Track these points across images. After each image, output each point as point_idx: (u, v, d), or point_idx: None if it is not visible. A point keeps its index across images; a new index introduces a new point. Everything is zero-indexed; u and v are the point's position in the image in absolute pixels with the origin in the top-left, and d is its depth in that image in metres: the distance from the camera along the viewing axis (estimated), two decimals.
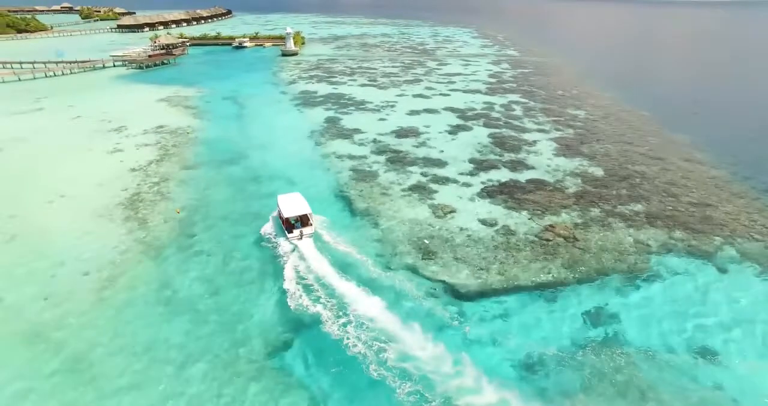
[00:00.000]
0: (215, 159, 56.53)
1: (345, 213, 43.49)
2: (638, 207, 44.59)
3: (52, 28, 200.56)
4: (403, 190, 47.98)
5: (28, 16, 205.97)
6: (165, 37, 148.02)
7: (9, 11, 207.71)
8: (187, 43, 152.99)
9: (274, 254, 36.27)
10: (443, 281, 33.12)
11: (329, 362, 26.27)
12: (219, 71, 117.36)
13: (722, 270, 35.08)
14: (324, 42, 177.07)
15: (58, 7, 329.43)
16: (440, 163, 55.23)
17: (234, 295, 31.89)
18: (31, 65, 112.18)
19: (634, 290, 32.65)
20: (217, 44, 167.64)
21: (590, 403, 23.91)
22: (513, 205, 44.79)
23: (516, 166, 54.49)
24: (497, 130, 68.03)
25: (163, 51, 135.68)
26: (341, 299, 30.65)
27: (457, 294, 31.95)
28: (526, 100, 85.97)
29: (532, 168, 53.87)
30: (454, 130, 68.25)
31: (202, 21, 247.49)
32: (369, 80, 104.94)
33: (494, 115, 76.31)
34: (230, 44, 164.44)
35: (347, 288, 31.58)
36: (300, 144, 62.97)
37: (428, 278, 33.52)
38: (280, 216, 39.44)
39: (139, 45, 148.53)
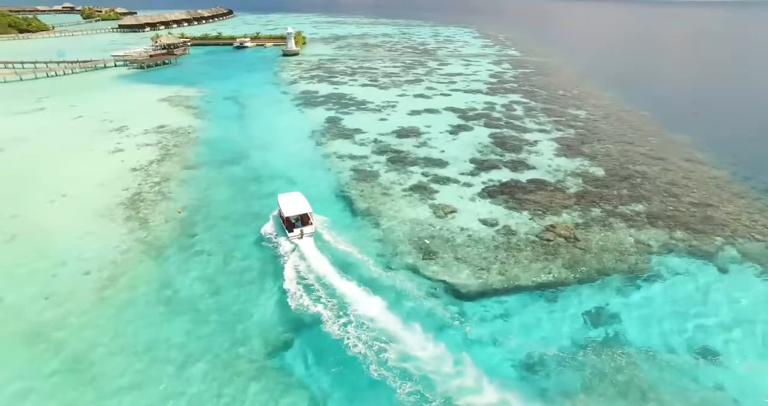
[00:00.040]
0: (216, 159, 56.57)
1: (346, 213, 43.50)
2: (639, 207, 44.54)
3: (53, 28, 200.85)
4: (404, 190, 47.98)
5: (30, 16, 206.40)
6: (166, 37, 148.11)
7: (11, 11, 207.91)
8: (188, 43, 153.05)
9: (275, 253, 36.29)
10: (444, 281, 33.11)
11: (329, 362, 26.27)
12: (220, 71, 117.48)
13: (723, 270, 35.04)
14: (325, 42, 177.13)
15: (59, 7, 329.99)
16: (441, 163, 55.22)
17: (234, 295, 31.91)
18: (32, 65, 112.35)
19: (634, 290, 32.62)
20: (218, 44, 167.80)
21: (591, 403, 23.88)
22: (514, 205, 44.77)
23: (517, 166, 54.47)
24: (498, 130, 68.00)
25: (164, 51, 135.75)
26: (342, 298, 30.64)
27: (457, 294, 31.94)
28: (527, 100, 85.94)
29: (533, 168, 53.84)
30: (455, 130, 68.23)
31: (204, 21, 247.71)
32: (370, 80, 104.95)
33: (495, 115, 76.28)
34: (231, 44, 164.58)
35: (348, 288, 31.58)
36: (301, 144, 62.99)
37: (429, 278, 33.51)
38: (280, 215, 39.46)
39: (140, 45, 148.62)
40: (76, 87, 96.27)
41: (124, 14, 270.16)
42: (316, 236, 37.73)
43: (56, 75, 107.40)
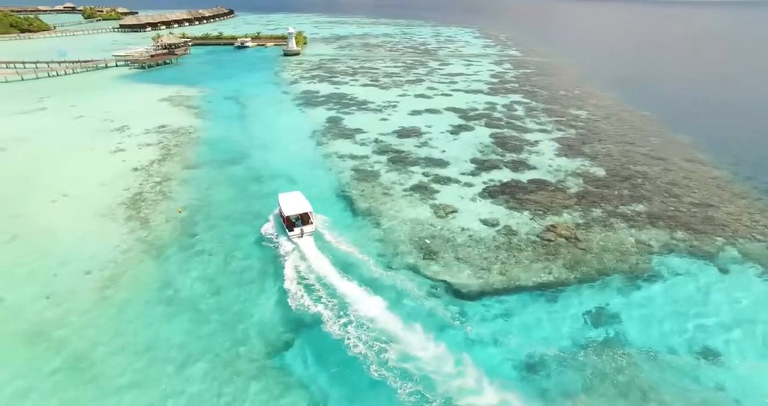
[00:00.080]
0: (217, 159, 56.60)
1: (346, 213, 43.49)
2: (640, 207, 44.50)
3: (54, 28, 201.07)
4: (405, 190, 47.97)
5: (31, 16, 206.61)
6: (167, 36, 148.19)
7: (12, 11, 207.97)
8: (190, 43, 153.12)
9: (276, 253, 36.28)
10: (445, 281, 33.10)
11: (330, 362, 26.27)
12: (221, 71, 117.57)
13: (724, 270, 34.99)
14: (326, 42, 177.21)
15: (60, 7, 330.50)
16: (442, 164, 55.20)
17: (235, 294, 31.92)
18: (34, 65, 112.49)
19: (635, 290, 32.58)
20: (219, 44, 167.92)
21: (592, 404, 23.85)
22: (514, 205, 44.74)
23: (518, 166, 54.43)
24: (499, 131, 67.98)
25: (165, 51, 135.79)
26: (342, 298, 30.63)
27: (458, 294, 31.92)
28: (528, 101, 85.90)
29: (534, 168, 53.81)
30: (456, 130, 68.21)
31: (204, 21, 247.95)
32: (371, 80, 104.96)
33: (496, 115, 76.25)
34: (232, 44, 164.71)
35: (348, 288, 31.56)
36: (302, 144, 63.00)
37: (430, 278, 33.49)
38: (281, 214, 39.48)
39: (141, 45, 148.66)
40: (78, 87, 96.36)
41: (126, 14, 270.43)
42: (317, 236, 37.73)
43: (57, 75, 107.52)
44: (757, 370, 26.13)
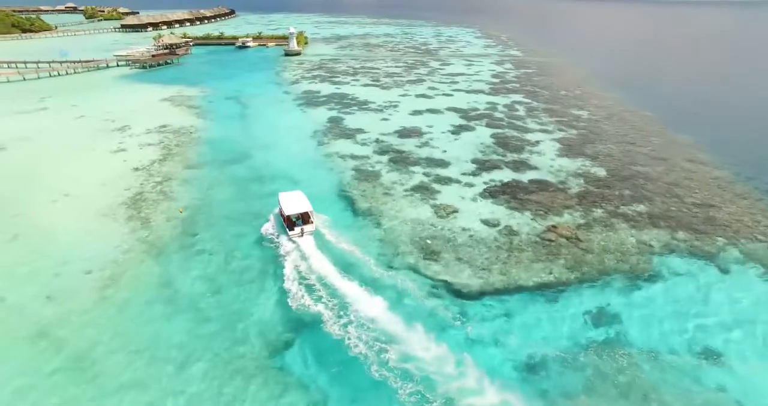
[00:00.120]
0: (218, 159, 56.61)
1: (347, 213, 43.48)
2: (641, 208, 44.45)
3: (56, 27, 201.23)
4: (406, 190, 47.95)
5: (33, 16, 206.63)
6: (168, 36, 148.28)
7: (14, 11, 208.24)
8: (191, 43, 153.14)
9: (276, 253, 36.27)
10: (445, 281, 33.07)
11: (330, 362, 26.24)
12: (222, 71, 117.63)
13: (725, 271, 34.94)
14: (327, 42, 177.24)
15: (62, 7, 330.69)
16: (443, 164, 55.17)
17: (235, 294, 31.92)
18: (35, 65, 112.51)
19: (636, 290, 32.54)
20: (220, 44, 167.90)
21: (593, 404, 23.82)
22: (515, 205, 44.71)
23: (519, 166, 54.39)
24: (500, 131, 67.93)
25: (166, 51, 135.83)
26: (343, 298, 30.59)
27: (459, 294, 31.89)
28: (529, 101, 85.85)
29: (535, 168, 53.76)
30: (457, 130, 68.18)
31: (206, 21, 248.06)
32: (372, 80, 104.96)
33: (497, 115, 76.21)
34: (233, 44, 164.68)
35: (349, 288, 31.52)
36: (303, 144, 63.00)
37: (430, 278, 33.47)
38: (281, 214, 39.50)
39: (142, 45, 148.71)
40: (79, 87, 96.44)
41: (127, 14, 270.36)
42: (318, 236, 37.71)
43: (59, 75, 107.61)
44: (758, 370, 26.07)
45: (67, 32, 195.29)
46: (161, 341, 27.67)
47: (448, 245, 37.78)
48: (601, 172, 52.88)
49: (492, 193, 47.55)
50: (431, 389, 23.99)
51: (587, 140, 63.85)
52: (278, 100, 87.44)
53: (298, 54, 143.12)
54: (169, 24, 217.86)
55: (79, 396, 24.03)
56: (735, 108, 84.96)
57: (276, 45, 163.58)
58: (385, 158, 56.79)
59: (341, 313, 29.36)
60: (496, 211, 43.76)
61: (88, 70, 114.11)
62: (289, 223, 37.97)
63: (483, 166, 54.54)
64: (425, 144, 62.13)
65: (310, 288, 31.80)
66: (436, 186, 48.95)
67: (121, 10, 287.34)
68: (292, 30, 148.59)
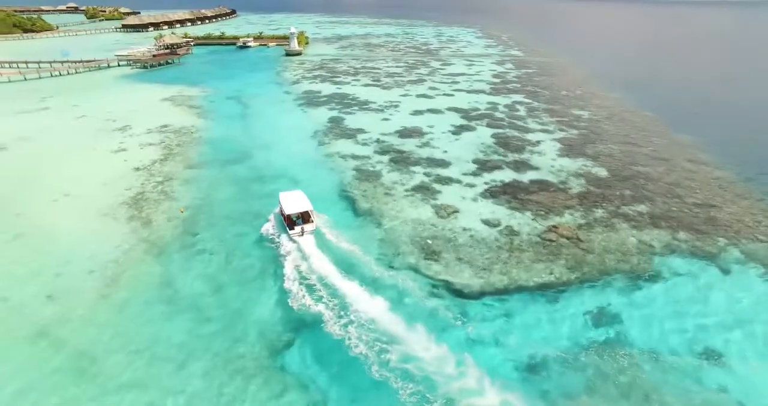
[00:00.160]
0: (219, 158, 56.64)
1: (348, 213, 43.48)
2: (642, 208, 44.39)
3: (57, 27, 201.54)
4: (407, 190, 47.93)
5: (34, 16, 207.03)
6: (169, 36, 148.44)
7: (15, 11, 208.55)
8: (192, 43, 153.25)
9: (276, 253, 36.28)
10: (446, 281, 33.05)
11: (330, 361, 26.26)
12: (223, 71, 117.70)
13: (726, 271, 34.89)
14: (328, 42, 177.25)
15: (63, 7, 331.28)
16: (444, 164, 55.15)
17: (236, 293, 31.93)
18: (36, 65, 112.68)
19: (637, 290, 32.50)
20: (221, 44, 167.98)
21: (593, 405, 23.79)
22: (516, 205, 44.68)
23: (519, 166, 54.35)
24: (501, 131, 67.89)
25: (167, 51, 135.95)
26: (343, 298, 30.56)
27: (459, 294, 31.87)
28: (530, 101, 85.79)
29: (536, 168, 53.72)
30: (458, 130, 68.15)
31: (207, 21, 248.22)
32: (373, 80, 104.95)
33: (498, 115, 76.16)
34: (234, 44, 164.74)
35: (349, 288, 31.49)
36: (303, 144, 63.01)
37: (431, 278, 33.45)
38: (281, 213, 39.54)
39: (143, 45, 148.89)
40: (80, 87, 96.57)
41: (128, 14, 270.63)
42: (318, 236, 37.71)
43: (60, 75, 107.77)
44: (759, 371, 26.02)
45: (69, 32, 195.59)
46: (161, 341, 27.68)
47: (449, 245, 37.76)
48: (602, 172, 52.83)
49: (493, 193, 47.52)
50: (432, 390, 23.96)
51: (588, 140, 63.80)
52: (279, 100, 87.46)
53: (299, 54, 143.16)
54: (170, 24, 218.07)
55: (79, 396, 24.05)
56: (736, 108, 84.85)
57: (277, 45, 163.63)
58: (385, 158, 56.78)
59: (342, 313, 29.33)
60: (497, 211, 43.73)
61: (90, 70, 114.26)
62: (290, 222, 38.01)
63: (484, 166, 54.51)
64: (426, 144, 62.11)
65: (310, 288, 31.79)
66: (436, 186, 48.94)
67: (123, 10, 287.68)
68: (293, 30, 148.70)
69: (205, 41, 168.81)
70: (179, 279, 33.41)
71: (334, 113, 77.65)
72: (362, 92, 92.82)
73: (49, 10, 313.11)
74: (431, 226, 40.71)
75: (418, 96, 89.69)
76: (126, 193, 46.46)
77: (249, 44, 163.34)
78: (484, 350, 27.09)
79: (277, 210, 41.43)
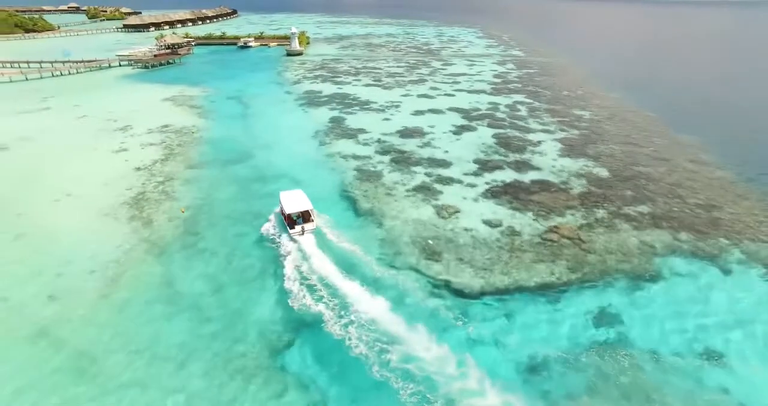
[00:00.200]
0: (220, 158, 56.65)
1: (349, 213, 43.45)
2: (643, 208, 44.31)
3: (59, 27, 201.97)
4: (408, 190, 47.89)
5: (36, 16, 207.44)
6: (170, 36, 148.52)
7: (17, 11, 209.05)
8: (193, 43, 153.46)
9: (277, 253, 36.26)
10: (447, 282, 33.01)
11: (331, 362, 26.22)
12: (224, 71, 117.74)
13: (727, 272, 34.80)
14: (329, 42, 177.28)
15: (65, 7, 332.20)
16: (445, 164, 55.10)
17: (236, 293, 31.92)
18: (38, 65, 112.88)
19: (638, 291, 32.41)
20: (222, 44, 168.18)
21: None
22: (518, 206, 44.62)
23: (521, 166, 54.28)
24: (502, 131, 67.82)
25: (168, 50, 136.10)
26: (344, 298, 30.54)
27: (460, 295, 31.82)
28: (531, 101, 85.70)
29: (537, 169, 53.65)
30: (459, 130, 68.09)
31: (208, 21, 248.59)
32: (374, 80, 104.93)
33: (499, 115, 76.09)
34: (235, 44, 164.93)
35: (350, 288, 31.47)
36: (304, 144, 62.99)
37: (432, 278, 33.41)
38: (282, 212, 39.57)
39: (144, 44, 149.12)
40: (81, 87, 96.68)
41: (129, 14, 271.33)
42: (319, 236, 37.69)
43: (61, 75, 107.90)
44: (760, 372, 25.94)
45: (70, 32, 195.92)
46: (162, 341, 27.67)
47: (450, 245, 37.72)
48: (604, 172, 52.75)
49: (494, 193, 47.47)
50: (433, 390, 23.93)
51: (589, 141, 63.71)
52: (280, 100, 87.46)
53: (299, 54, 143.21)
54: (172, 24, 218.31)
55: (79, 395, 24.05)
56: (737, 108, 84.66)
57: (278, 45, 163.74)
58: (386, 158, 56.75)
59: (342, 313, 29.31)
60: (498, 211, 43.68)
61: (91, 70, 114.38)
62: (290, 221, 38.03)
63: (485, 166, 54.45)
64: (427, 144, 62.07)
65: (311, 288, 31.76)
66: (437, 186, 48.89)
67: (124, 10, 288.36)
68: (294, 30, 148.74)
69: (206, 41, 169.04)
70: (180, 279, 33.40)
71: (335, 113, 77.64)
72: (363, 92, 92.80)
73: (50, 10, 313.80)
74: (432, 226, 40.67)
75: (419, 96, 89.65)
76: (127, 193, 46.48)
77: (250, 44, 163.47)
78: (485, 351, 27.03)
79: (277, 209, 41.46)
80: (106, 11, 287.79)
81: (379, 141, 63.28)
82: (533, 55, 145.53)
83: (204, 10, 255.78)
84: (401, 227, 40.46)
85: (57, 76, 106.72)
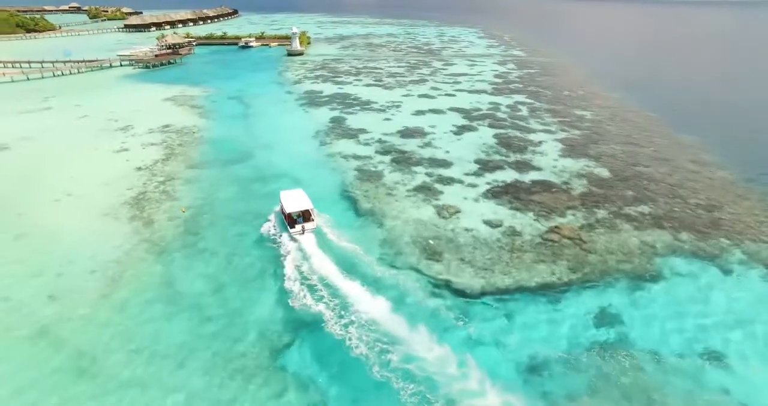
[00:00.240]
0: (221, 158, 56.66)
1: (350, 213, 43.44)
2: (644, 208, 44.25)
3: (60, 27, 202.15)
4: (408, 190, 47.87)
5: (37, 16, 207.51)
6: (171, 36, 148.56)
7: (18, 11, 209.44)
8: (194, 43, 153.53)
9: (277, 252, 36.25)
10: (448, 282, 32.98)
11: (331, 362, 26.21)
12: (225, 71, 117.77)
13: (728, 272, 34.74)
14: (329, 42, 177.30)
15: (66, 7, 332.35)
16: (445, 164, 55.06)
17: (236, 293, 31.91)
18: (39, 65, 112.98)
19: (639, 291, 32.37)
20: (223, 44, 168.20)
21: None
22: (518, 206, 44.58)
23: (521, 167, 54.24)
24: (503, 131, 67.77)
25: (169, 50, 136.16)
26: (344, 298, 30.53)
27: (461, 295, 31.79)
28: (532, 101, 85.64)
29: (538, 169, 53.60)
30: (460, 130, 68.04)
31: (209, 21, 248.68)
32: (374, 80, 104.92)
33: (500, 115, 76.04)
34: (236, 44, 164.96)
35: (351, 288, 31.46)
36: (305, 144, 62.99)
37: (433, 279, 33.39)
38: (282, 212, 39.59)
39: (145, 44, 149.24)
40: (82, 86, 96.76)
41: (130, 14, 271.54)
42: (320, 235, 37.68)
43: (62, 74, 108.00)
44: (761, 372, 25.89)
45: (71, 32, 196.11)
46: (162, 340, 27.68)
47: (451, 245, 37.69)
48: (605, 172, 52.69)
49: (495, 193, 47.43)
50: (433, 390, 23.90)
51: (590, 141, 63.65)
52: (281, 100, 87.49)
53: (300, 54, 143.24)
54: (173, 24, 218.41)
55: (79, 395, 24.05)
56: (738, 108, 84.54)
57: (279, 45, 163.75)
58: (387, 158, 56.73)
59: (343, 313, 29.30)
60: (499, 211, 43.64)
61: (92, 70, 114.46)
62: (290, 220, 38.04)
63: (486, 166, 54.41)
64: (428, 144, 62.04)
65: (311, 288, 31.75)
66: (438, 186, 48.86)
67: (125, 10, 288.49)
68: (294, 30, 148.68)
69: (207, 41, 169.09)
70: (180, 279, 33.41)
71: (336, 113, 77.64)
72: (364, 92, 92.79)
73: (51, 10, 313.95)
74: (433, 226, 40.65)
75: (420, 96, 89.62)
76: (128, 193, 46.50)
77: (251, 44, 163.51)
78: (486, 351, 27.01)
79: (277, 208, 41.47)
80: (107, 11, 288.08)
81: (379, 141, 63.25)
82: (534, 55, 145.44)
83: (205, 10, 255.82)
84: (402, 226, 40.45)
85: (58, 76, 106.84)
